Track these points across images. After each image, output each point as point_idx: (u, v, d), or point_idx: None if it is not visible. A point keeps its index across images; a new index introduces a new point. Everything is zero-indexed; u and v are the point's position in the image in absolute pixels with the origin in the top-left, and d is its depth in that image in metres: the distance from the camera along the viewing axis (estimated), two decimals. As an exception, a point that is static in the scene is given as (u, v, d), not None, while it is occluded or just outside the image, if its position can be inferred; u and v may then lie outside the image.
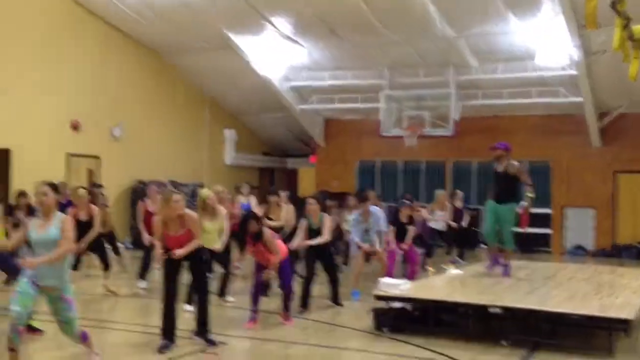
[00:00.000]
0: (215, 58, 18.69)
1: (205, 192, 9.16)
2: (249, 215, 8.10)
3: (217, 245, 8.98)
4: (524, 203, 9.35)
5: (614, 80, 15.89)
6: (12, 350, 5.34)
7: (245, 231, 7.86)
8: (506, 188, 9.38)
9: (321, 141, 21.73)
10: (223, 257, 9.43)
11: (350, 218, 11.17)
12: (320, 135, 21.67)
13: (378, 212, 10.31)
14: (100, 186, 14.29)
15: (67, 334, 5.79)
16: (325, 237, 9.10)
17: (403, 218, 11.70)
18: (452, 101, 17.43)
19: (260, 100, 20.52)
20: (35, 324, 7.28)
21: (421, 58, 17.52)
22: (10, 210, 10.78)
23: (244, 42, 17.56)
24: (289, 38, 17.26)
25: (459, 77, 17.71)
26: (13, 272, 7.27)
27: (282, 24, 16.52)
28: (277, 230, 9.50)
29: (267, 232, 8.03)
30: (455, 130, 17.58)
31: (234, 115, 22.07)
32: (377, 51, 17.51)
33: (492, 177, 9.63)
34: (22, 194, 11.28)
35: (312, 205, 9.12)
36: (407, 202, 12.15)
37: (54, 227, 5.53)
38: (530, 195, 9.37)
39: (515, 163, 9.42)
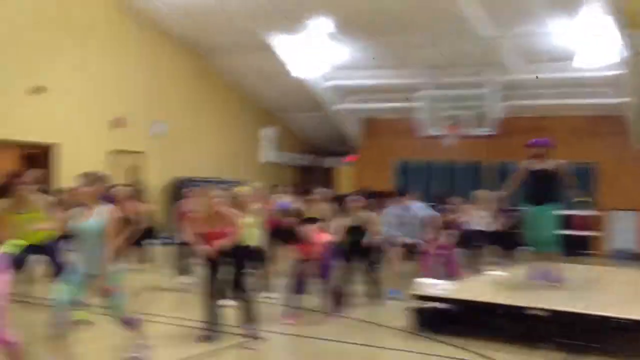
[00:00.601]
0: (255, 57, 18.80)
1: (237, 188, 9.19)
2: (286, 212, 8.20)
3: (253, 241, 9.07)
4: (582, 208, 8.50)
5: (661, 81, 15.55)
6: (57, 338, 5.45)
7: (284, 228, 7.96)
8: (548, 189, 8.43)
9: (359, 140, 21.70)
10: (260, 254, 9.49)
11: (387, 213, 10.96)
12: (358, 134, 21.64)
13: (418, 204, 10.28)
14: (141, 183, 14.48)
15: (114, 319, 5.93)
16: (373, 235, 9.15)
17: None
18: (492, 101, 17.25)
19: (299, 100, 20.58)
20: (83, 315, 7.45)
21: (461, 58, 17.36)
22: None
23: (282, 41, 17.62)
24: (328, 38, 17.26)
25: (499, 77, 17.51)
26: (57, 268, 7.44)
27: (322, 23, 16.52)
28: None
29: (305, 229, 8.11)
30: (495, 130, 17.39)
31: (272, 114, 22.18)
32: (417, 50, 17.40)
33: (529, 177, 8.50)
34: (63, 190, 11.55)
35: (357, 203, 9.17)
36: (447, 207, 12.05)
37: (94, 218, 5.63)
38: (584, 199, 8.69)
39: (563, 161, 8.52)
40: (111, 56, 16.60)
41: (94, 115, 16.13)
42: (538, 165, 8.44)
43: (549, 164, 8.42)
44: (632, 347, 7.04)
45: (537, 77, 17.23)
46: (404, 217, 10.10)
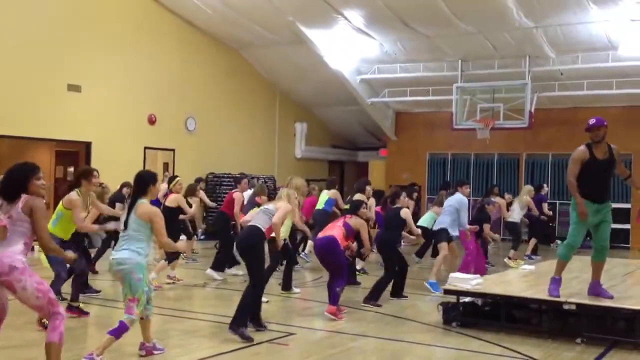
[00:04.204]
0: (287, 52, 18.82)
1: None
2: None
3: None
4: None
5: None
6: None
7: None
8: (607, 182, 7.06)
9: (392, 134, 21.60)
10: (286, 249, 9.48)
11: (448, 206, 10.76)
12: (391, 128, 21.54)
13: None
14: (200, 180, 14.37)
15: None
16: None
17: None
18: (527, 93, 17.00)
19: (331, 94, 20.56)
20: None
21: (496, 49, 17.14)
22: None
23: (315, 35, 17.60)
24: (361, 31, 17.18)
25: (535, 68, 17.25)
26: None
27: (354, 16, 16.46)
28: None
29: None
30: (530, 122, 17.15)
31: (304, 108, 22.19)
32: (450, 43, 17.24)
33: (589, 168, 6.83)
34: (126, 185, 11.59)
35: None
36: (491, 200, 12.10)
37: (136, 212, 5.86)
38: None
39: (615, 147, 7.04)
40: (144, 53, 16.76)
41: (127, 113, 16.34)
42: (598, 153, 6.88)
43: (609, 152, 6.94)
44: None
45: (561, 73, 16.99)
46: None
